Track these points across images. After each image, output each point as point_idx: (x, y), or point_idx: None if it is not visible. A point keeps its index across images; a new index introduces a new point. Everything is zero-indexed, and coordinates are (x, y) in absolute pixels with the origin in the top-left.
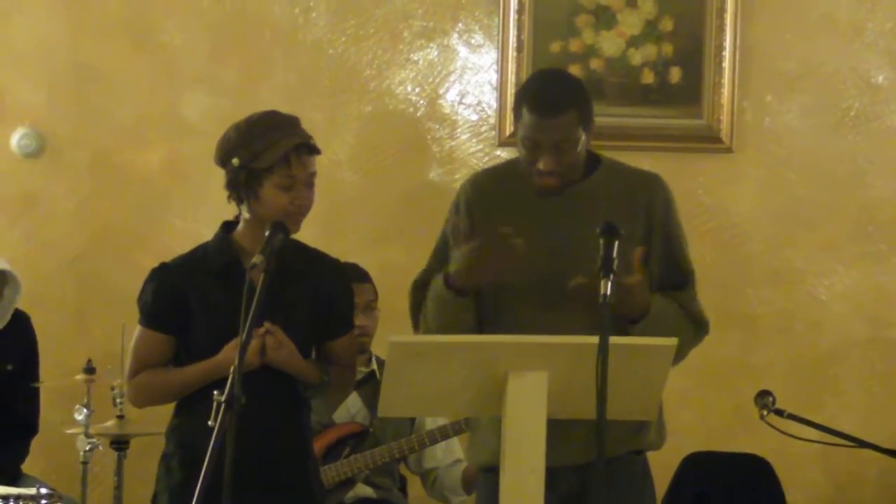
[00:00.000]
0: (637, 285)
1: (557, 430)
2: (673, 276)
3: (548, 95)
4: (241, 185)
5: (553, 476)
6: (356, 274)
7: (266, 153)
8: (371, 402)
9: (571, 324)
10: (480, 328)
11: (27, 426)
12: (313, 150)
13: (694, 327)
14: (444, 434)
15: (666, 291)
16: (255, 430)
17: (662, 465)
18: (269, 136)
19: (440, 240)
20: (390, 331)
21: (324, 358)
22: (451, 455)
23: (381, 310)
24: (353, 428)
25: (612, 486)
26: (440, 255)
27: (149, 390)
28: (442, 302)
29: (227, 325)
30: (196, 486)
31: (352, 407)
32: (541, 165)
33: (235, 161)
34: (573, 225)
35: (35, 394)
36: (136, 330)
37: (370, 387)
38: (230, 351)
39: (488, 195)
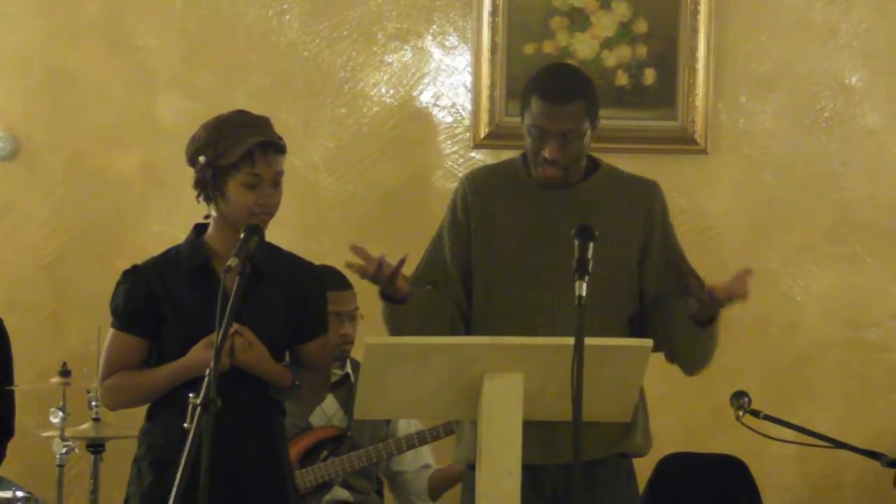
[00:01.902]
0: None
1: (543, 428)
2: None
3: (559, 83)
4: (209, 184)
5: (539, 474)
6: (340, 281)
7: (230, 150)
8: (347, 404)
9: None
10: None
11: (2, 429)
12: (279, 149)
13: None
14: (421, 439)
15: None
16: (225, 432)
17: (639, 467)
18: (235, 133)
19: (436, 236)
20: (368, 333)
21: (298, 361)
22: (419, 460)
23: (359, 312)
24: (330, 432)
25: (596, 487)
26: (432, 253)
27: (120, 392)
28: (386, 315)
29: (198, 327)
30: (165, 488)
31: (328, 409)
32: (546, 153)
33: (202, 159)
34: (570, 227)
35: (10, 397)
36: (109, 333)
37: (345, 389)
38: (197, 352)
39: (486, 193)
